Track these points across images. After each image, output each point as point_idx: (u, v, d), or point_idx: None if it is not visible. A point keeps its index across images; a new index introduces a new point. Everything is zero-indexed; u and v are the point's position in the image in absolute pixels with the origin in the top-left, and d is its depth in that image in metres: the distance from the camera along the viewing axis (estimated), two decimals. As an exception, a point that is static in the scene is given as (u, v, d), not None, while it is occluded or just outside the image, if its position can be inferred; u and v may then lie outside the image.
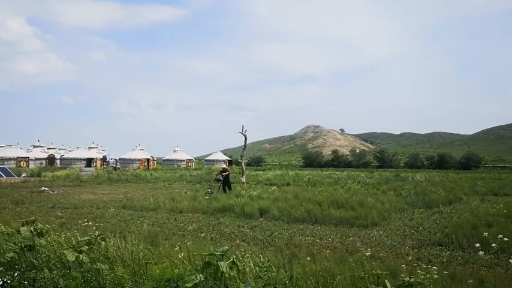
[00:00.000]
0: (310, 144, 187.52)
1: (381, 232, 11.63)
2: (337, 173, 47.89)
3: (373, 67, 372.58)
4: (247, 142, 29.14)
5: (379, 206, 15.50)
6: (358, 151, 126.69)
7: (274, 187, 24.13)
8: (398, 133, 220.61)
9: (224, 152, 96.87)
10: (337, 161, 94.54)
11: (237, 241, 10.15)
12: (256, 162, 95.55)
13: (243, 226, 12.51)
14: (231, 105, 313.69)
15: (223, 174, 22.61)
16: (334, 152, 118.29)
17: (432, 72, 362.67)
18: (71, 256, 3.81)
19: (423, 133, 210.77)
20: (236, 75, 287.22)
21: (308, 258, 5.46)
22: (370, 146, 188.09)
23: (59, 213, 14.81)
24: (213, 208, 15.56)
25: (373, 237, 10.96)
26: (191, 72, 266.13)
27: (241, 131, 27.92)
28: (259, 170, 56.94)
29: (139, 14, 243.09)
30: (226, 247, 3.75)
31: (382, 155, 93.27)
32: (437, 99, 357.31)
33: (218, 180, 23.03)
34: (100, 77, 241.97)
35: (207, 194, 19.78)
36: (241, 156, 28.52)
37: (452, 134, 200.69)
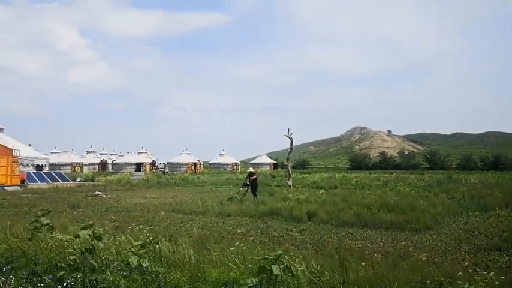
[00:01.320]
0: (356, 146, 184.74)
1: (435, 236, 11.26)
2: (386, 175, 46.83)
3: (423, 66, 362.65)
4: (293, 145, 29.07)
5: (432, 209, 15.02)
6: (406, 153, 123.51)
7: (322, 190, 23.89)
8: (449, 133, 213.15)
9: (269, 155, 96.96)
10: (385, 163, 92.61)
11: (286, 245, 10.10)
12: (301, 165, 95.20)
13: (291, 230, 12.46)
14: (276, 108, 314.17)
15: (251, 178, 21.79)
16: (382, 153, 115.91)
17: (484, 69, 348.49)
18: (133, 259, 3.92)
19: (476, 133, 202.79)
20: (280, 77, 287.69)
21: (363, 264, 5.36)
22: (419, 147, 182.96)
23: (113, 217, 15.28)
24: (261, 211, 15.58)
25: (426, 241, 10.62)
26: (236, 76, 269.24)
27: (287, 134, 27.91)
28: (305, 173, 56.59)
29: (184, 21, 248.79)
30: (280, 251, 3.75)
31: (433, 157, 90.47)
32: (490, 97, 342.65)
33: (245, 184, 21.98)
34: (147, 84, 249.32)
35: (230, 200, 19.39)
36: (288, 159, 28.47)
37: (507, 133, 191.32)
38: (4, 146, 35.13)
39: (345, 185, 30.65)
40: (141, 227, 12.36)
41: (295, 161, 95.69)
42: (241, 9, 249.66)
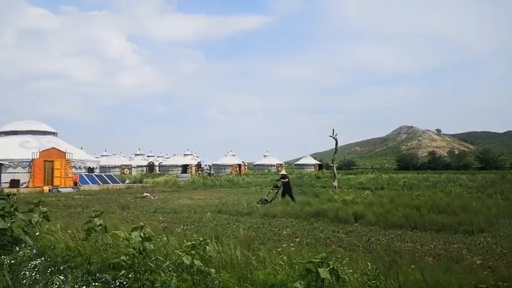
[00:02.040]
0: (403, 146, 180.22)
1: (489, 239, 10.81)
2: (435, 175, 45.36)
3: (473, 62, 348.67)
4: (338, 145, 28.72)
5: (485, 210, 14.44)
6: (457, 152, 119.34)
7: (368, 191, 23.47)
8: (501, 131, 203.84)
9: (314, 156, 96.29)
10: (434, 163, 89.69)
11: (333, 246, 9.99)
12: (347, 166, 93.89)
13: (337, 231, 12.31)
14: (320, 109, 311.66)
15: (283, 180, 21.20)
16: (431, 153, 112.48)
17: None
18: (186, 259, 4.00)
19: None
20: (324, 78, 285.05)
21: (412, 266, 5.22)
22: (471, 146, 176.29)
23: (161, 218, 15.64)
24: (306, 213, 15.50)
25: (480, 244, 10.22)
26: (279, 77, 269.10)
27: (331, 134, 27.59)
28: (351, 174, 55.74)
29: (226, 24, 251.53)
30: (325, 253, 3.71)
31: (486, 156, 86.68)
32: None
33: (276, 187, 21.40)
34: (191, 87, 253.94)
35: (260, 202, 19.03)
36: (333, 160, 28.14)
37: None
38: (58, 150, 36.73)
39: (392, 185, 29.98)
40: (188, 228, 12.62)
41: (340, 162, 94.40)
42: (282, 10, 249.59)
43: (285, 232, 12.22)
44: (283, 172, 23.79)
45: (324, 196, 20.72)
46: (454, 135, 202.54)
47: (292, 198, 19.92)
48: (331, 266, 3.69)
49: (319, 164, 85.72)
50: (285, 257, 5.58)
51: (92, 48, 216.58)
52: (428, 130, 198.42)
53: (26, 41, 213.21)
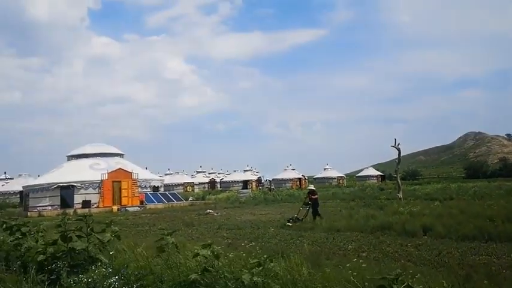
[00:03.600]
0: (471, 154, 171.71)
1: None
2: (508, 183, 42.78)
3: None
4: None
5: None
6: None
7: (436, 202, 22.53)
8: None
9: (376, 167, 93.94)
10: (506, 170, 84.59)
11: (402, 261, 9.65)
12: (411, 176, 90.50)
13: (406, 245, 11.88)
14: (379, 118, 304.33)
15: (312, 197, 19.50)
16: (502, 160, 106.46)
17: None
18: (246, 277, 4.03)
19: None
20: (382, 87, 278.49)
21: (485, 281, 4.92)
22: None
23: (225, 234, 15.83)
24: (371, 226, 15.10)
25: None
26: (336, 89, 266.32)
27: (393, 144, 26.88)
28: (416, 184, 53.74)
29: (281, 40, 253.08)
30: (399, 270, 3.60)
31: None
32: None
33: (306, 204, 19.45)
34: (249, 103, 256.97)
35: (291, 221, 17.80)
36: (396, 170, 27.41)
37: None
38: (125, 170, 38.32)
39: (462, 195, 28.59)
40: (252, 243, 12.67)
41: (404, 172, 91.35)
42: (337, 22, 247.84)
43: (350, 247, 11.97)
44: (312, 187, 22.01)
45: (389, 208, 20.13)
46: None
47: (314, 216, 18.54)
48: (405, 283, 3.57)
49: (381, 175, 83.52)
50: (354, 273, 5.46)
51: (153, 71, 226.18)
52: (497, 136, 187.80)
53: (93, 68, 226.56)
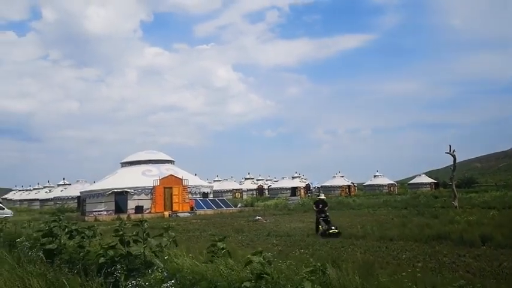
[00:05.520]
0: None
1: None
2: None
3: None
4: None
5: None
6: None
7: (494, 211, 21.52)
8: None
9: (428, 174, 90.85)
10: None
11: (460, 272, 9.26)
12: (467, 184, 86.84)
13: (463, 255, 11.39)
14: (431, 124, 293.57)
15: (321, 207, 18.50)
16: None
17: None
18: (307, 285, 4.00)
19: None
20: (434, 92, 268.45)
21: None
22: None
23: (275, 241, 15.79)
24: (426, 235, 14.61)
25: None
26: (385, 94, 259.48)
27: (448, 151, 25.97)
28: (472, 192, 51.50)
29: (328, 46, 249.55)
30: (463, 281, 3.45)
31: None
32: None
33: (321, 214, 18.21)
34: (296, 110, 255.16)
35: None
36: (451, 178, 26.45)
37: None
38: (176, 177, 39.19)
39: (523, 204, 27.12)
40: (302, 251, 12.59)
41: (460, 180, 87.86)
42: (385, 26, 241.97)
43: (404, 256, 11.63)
44: (322, 196, 20.75)
45: (445, 217, 19.46)
46: None
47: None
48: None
49: (435, 183, 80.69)
50: (409, 283, 5.28)
51: (202, 79, 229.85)
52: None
53: (145, 78, 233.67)
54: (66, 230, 7.81)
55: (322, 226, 17.49)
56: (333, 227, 16.72)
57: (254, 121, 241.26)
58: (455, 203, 24.73)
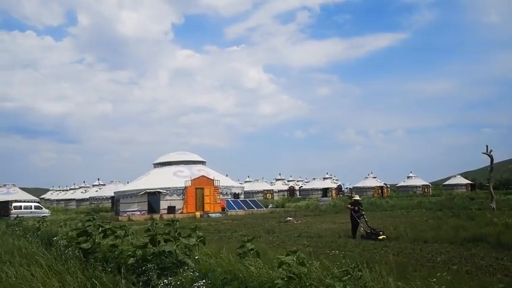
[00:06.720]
0: None
1: None
2: None
3: None
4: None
5: None
6: None
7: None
8: None
9: (464, 176, 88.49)
10: None
11: (498, 275, 8.96)
12: (504, 185, 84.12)
13: (501, 258, 11.01)
14: (467, 124, 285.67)
15: (356, 208, 17.96)
16: None
17: None
18: (339, 285, 3.95)
19: None
20: (469, 91, 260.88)
21: None
22: None
23: (306, 242, 15.69)
24: (462, 238, 14.22)
25: None
26: (418, 94, 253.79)
27: (485, 151, 25.21)
28: (510, 194, 49.92)
29: (359, 45, 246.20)
30: (502, 285, 3.33)
31: None
32: None
33: (356, 214, 17.75)
34: (327, 110, 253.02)
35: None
36: (488, 179, 25.67)
37: None
38: (207, 178, 39.54)
39: None
40: (334, 252, 12.45)
41: (497, 181, 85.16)
42: (418, 24, 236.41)
43: (439, 259, 11.34)
44: (357, 197, 20.17)
45: (481, 219, 18.87)
46: None
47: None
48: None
49: (471, 184, 78.54)
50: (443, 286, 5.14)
51: (233, 81, 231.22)
52: None
53: (176, 79, 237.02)
54: (100, 229, 7.98)
55: (363, 228, 17.26)
56: (381, 232, 16.20)
57: (285, 122, 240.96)
58: (493, 205, 23.97)
